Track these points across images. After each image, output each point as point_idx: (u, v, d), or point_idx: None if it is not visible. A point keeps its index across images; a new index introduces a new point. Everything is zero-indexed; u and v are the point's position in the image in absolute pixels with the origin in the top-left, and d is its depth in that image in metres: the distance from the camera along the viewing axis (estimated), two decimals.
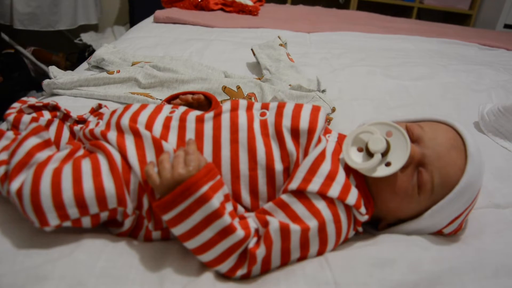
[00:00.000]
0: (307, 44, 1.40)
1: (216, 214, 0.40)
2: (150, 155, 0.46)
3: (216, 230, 0.40)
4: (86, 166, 0.43)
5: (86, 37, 2.31)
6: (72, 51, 2.31)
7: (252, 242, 0.42)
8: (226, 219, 0.40)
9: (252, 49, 1.04)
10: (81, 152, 0.47)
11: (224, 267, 0.41)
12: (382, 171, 0.46)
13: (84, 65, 0.99)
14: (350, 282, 0.40)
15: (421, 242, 0.47)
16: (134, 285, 0.40)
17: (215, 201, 0.40)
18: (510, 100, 0.88)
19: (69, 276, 0.39)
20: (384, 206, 0.49)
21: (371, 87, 1.01)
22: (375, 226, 0.52)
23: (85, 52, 2.21)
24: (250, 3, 1.83)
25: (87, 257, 0.41)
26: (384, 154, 0.46)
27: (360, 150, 0.48)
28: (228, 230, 0.40)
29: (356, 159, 0.47)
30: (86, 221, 0.43)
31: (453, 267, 0.43)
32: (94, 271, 0.40)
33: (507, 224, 0.55)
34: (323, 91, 0.85)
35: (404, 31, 1.75)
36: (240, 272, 0.42)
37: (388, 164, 0.46)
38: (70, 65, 2.23)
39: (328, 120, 0.74)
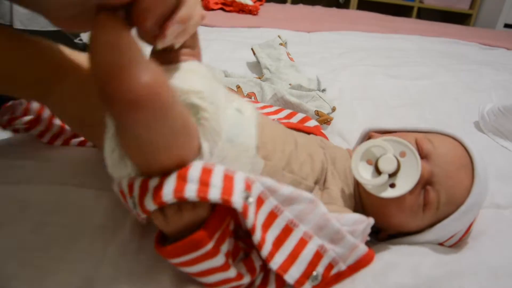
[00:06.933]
0: (307, 44, 1.40)
1: (221, 268, 0.37)
2: None
3: (220, 278, 0.38)
4: None
5: (86, 37, 2.30)
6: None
7: (258, 280, 0.41)
8: (231, 272, 0.37)
9: (252, 49, 1.04)
10: None
11: None
12: (388, 192, 0.45)
13: None
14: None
15: (422, 247, 0.47)
16: (134, 284, 0.39)
17: (220, 258, 0.36)
18: (510, 100, 0.88)
19: (78, 270, 0.39)
20: (386, 221, 0.48)
21: (371, 87, 1.01)
22: (375, 235, 0.52)
23: (85, 51, 2.20)
24: (250, 3, 1.83)
25: (89, 255, 0.41)
26: (392, 174, 0.45)
27: (369, 163, 0.47)
28: (233, 279, 0.38)
29: (364, 174, 0.46)
30: None
31: (453, 270, 0.43)
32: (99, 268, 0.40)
33: (507, 224, 0.55)
34: (323, 90, 0.85)
35: (404, 31, 1.75)
36: None
37: (392, 185, 0.45)
38: None
39: (328, 120, 0.74)
